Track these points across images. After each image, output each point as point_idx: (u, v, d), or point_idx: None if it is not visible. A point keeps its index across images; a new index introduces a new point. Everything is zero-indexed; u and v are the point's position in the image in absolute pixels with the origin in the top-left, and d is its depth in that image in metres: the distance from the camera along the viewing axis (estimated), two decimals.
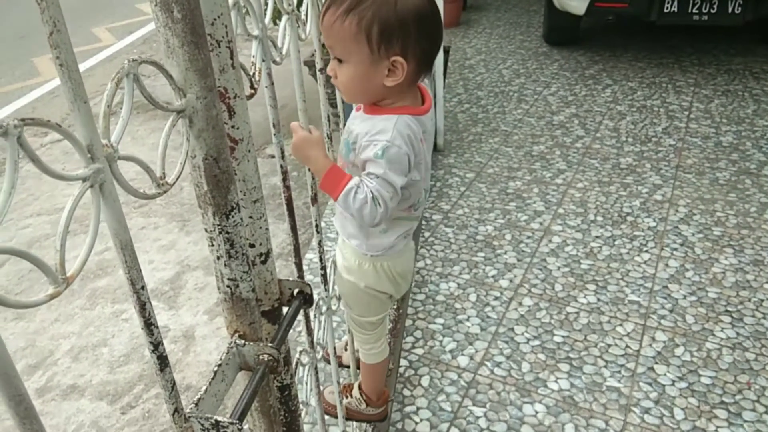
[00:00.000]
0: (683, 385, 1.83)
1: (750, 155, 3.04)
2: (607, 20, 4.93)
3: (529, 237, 2.55)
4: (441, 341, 2.05)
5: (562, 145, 3.27)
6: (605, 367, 1.91)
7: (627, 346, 1.98)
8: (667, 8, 3.72)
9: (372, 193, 1.01)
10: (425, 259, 2.45)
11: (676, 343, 1.97)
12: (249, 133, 0.70)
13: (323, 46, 1.05)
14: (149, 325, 0.56)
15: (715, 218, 2.58)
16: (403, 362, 1.98)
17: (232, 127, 0.68)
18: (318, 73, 1.09)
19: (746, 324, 2.03)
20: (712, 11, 3.67)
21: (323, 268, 1.15)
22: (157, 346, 0.58)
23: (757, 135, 3.22)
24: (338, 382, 1.33)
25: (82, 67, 5.06)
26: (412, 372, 1.94)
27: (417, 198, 1.16)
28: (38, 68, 5.13)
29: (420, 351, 2.02)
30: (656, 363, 1.91)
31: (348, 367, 1.57)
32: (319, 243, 1.12)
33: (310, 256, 2.46)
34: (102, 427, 1.88)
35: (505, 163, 3.12)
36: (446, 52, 3.46)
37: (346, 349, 1.57)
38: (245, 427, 0.70)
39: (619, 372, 1.88)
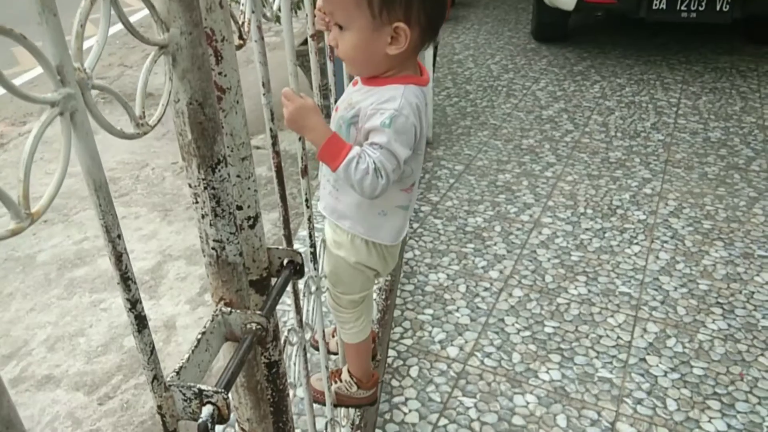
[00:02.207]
0: (675, 376, 1.80)
1: (738, 151, 3.04)
2: (596, 16, 4.93)
3: (518, 229, 2.52)
4: (430, 332, 2.00)
5: (551, 139, 3.24)
6: (597, 357, 1.88)
7: (618, 337, 1.95)
8: (655, 5, 3.72)
9: (374, 163, 0.96)
10: (414, 250, 2.40)
11: (668, 335, 1.95)
12: (237, 82, 0.65)
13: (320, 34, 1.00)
14: (126, 279, 0.51)
15: (704, 212, 2.57)
16: (392, 353, 1.93)
17: (219, 74, 0.63)
18: (309, 39, 1.04)
19: (737, 316, 2.01)
20: (700, 8, 3.68)
21: (312, 245, 1.10)
22: (134, 304, 0.53)
23: (744, 131, 3.22)
24: (326, 368, 1.28)
25: None
26: (401, 363, 1.89)
27: (417, 174, 1.11)
28: (17, 58, 5.01)
29: (408, 342, 1.97)
30: (648, 354, 1.88)
31: (336, 353, 1.52)
32: (309, 219, 1.07)
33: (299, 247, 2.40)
34: (78, 418, 1.80)
35: (495, 156, 3.09)
36: (435, 47, 3.43)
37: (333, 336, 1.52)
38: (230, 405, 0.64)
39: (611, 363, 1.85)
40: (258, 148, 3.23)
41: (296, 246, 2.39)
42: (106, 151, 3.40)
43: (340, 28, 0.99)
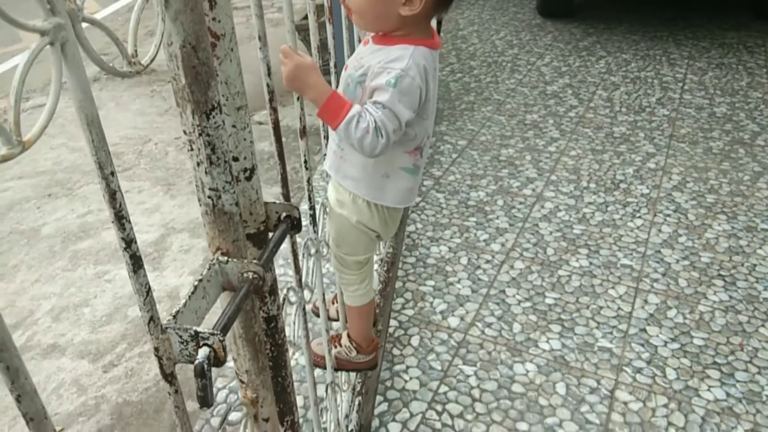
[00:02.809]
0: (675, 346, 1.81)
1: (744, 126, 3.01)
2: None
3: (521, 203, 2.51)
4: (431, 303, 2.01)
5: (555, 114, 3.22)
6: (597, 328, 1.88)
7: (619, 308, 1.95)
8: None
9: (375, 122, 0.96)
10: (416, 224, 2.40)
11: (669, 306, 1.95)
12: (232, 29, 0.65)
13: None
14: (120, 218, 0.51)
15: (708, 186, 2.56)
16: (393, 323, 1.94)
17: (213, 19, 0.62)
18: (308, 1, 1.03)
19: (739, 288, 2.01)
20: None
21: (312, 207, 1.11)
22: (129, 243, 0.53)
23: (750, 106, 3.19)
24: (327, 331, 1.29)
25: None
26: (402, 332, 1.90)
27: (422, 139, 1.11)
28: (20, 34, 4.99)
29: (410, 312, 1.98)
30: (648, 325, 1.89)
31: (336, 320, 1.54)
32: (308, 180, 1.07)
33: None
34: (83, 385, 1.83)
35: (498, 132, 3.08)
36: (439, 22, 3.39)
37: (334, 303, 1.52)
38: (229, 361, 0.65)
39: (611, 333, 1.86)
40: (261, 123, 3.23)
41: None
42: (109, 127, 3.41)
43: None
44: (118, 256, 2.34)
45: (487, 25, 4.55)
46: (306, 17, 3.43)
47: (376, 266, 1.96)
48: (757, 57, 3.77)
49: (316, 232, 1.15)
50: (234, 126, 0.70)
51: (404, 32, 1.02)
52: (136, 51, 0.52)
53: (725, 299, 1.96)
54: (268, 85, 0.85)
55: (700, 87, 3.43)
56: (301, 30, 3.33)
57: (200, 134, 0.63)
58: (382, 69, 0.97)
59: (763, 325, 1.86)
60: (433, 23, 3.00)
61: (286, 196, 0.93)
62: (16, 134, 0.40)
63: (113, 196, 0.50)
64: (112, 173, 0.50)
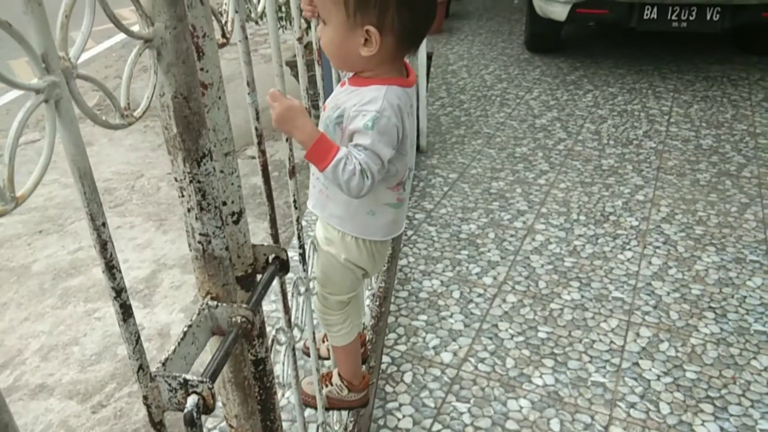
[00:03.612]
0: (668, 380, 1.80)
1: (730, 158, 3.06)
2: (588, 27, 4.98)
3: (512, 235, 2.53)
4: (424, 338, 2.01)
5: (544, 147, 3.27)
6: (590, 362, 1.88)
7: (612, 342, 1.95)
8: (646, 15, 3.77)
9: (360, 165, 0.98)
10: (408, 257, 2.41)
11: (661, 339, 1.95)
12: (219, 78, 0.66)
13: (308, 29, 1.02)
14: (111, 267, 0.52)
15: (696, 217, 2.58)
16: (386, 359, 1.93)
17: (202, 69, 0.64)
18: (296, 42, 1.06)
19: (730, 320, 2.02)
20: (690, 18, 3.72)
21: (301, 246, 1.11)
22: (119, 292, 0.54)
23: (736, 138, 3.25)
24: (317, 370, 1.28)
25: None
26: (395, 369, 1.89)
27: (404, 174, 1.13)
28: (14, 70, 5.04)
29: (402, 347, 1.97)
30: (641, 358, 1.88)
31: (327, 359, 1.53)
32: (297, 219, 1.08)
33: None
34: (71, 427, 1.80)
35: (488, 164, 3.11)
36: (429, 57, 3.45)
37: (324, 341, 1.52)
38: (218, 403, 0.65)
39: (604, 367, 1.86)
40: (252, 158, 3.25)
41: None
42: (102, 162, 3.42)
43: (324, 22, 1.01)
44: (108, 294, 2.32)
45: (477, 59, 4.63)
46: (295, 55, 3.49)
47: (368, 301, 1.96)
48: (741, 90, 3.85)
49: (305, 270, 1.15)
50: (222, 171, 0.71)
51: (375, 72, 1.05)
52: (128, 104, 0.53)
53: (716, 332, 1.97)
54: (256, 129, 0.86)
55: (686, 119, 3.50)
56: (293, 66, 3.38)
57: (191, 181, 0.64)
58: (357, 112, 0.99)
59: (754, 358, 1.87)
60: (424, 61, 3.05)
61: (275, 236, 0.93)
62: (9, 191, 0.41)
63: (104, 246, 0.51)
64: (104, 224, 0.51)
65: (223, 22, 0.72)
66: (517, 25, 5.40)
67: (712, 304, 2.09)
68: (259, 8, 0.83)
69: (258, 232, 2.61)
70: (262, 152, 0.87)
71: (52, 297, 2.37)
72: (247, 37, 0.78)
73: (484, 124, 3.58)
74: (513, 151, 3.24)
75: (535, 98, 3.90)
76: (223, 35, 0.71)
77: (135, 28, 0.54)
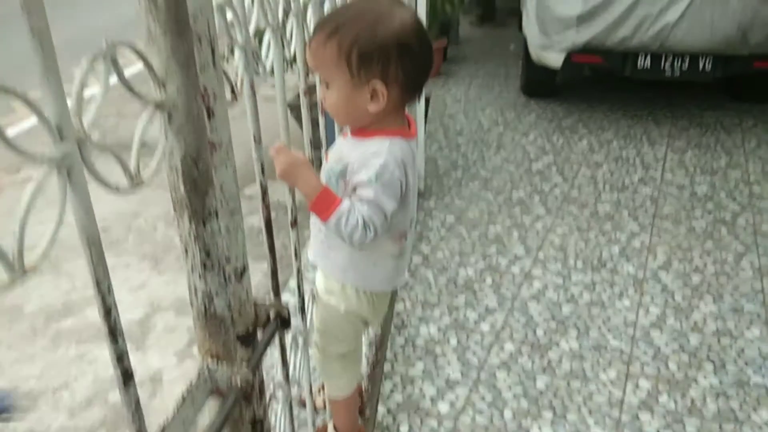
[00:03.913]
0: None
1: (725, 205, 3.08)
2: (583, 74, 5.07)
3: (509, 281, 2.52)
4: (421, 387, 1.98)
5: (540, 191, 3.29)
6: (589, 415, 1.85)
7: (611, 393, 1.93)
8: (640, 64, 3.84)
9: (363, 218, 0.98)
10: (405, 302, 2.39)
11: (660, 391, 1.93)
12: (228, 137, 0.67)
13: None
14: (113, 332, 0.51)
15: (693, 266, 2.59)
16: (381, 409, 1.90)
17: (211, 130, 0.64)
18: (301, 94, 1.07)
19: (729, 372, 2.00)
20: (683, 68, 3.80)
21: (301, 297, 1.10)
22: (121, 357, 0.53)
23: (730, 186, 3.28)
24: (313, 424, 1.26)
25: None
26: (391, 420, 1.86)
27: (406, 225, 1.13)
28: (14, 105, 5.08)
29: (399, 397, 1.94)
30: (640, 411, 1.86)
31: (324, 409, 1.50)
32: (298, 270, 1.08)
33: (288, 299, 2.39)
34: None
35: (485, 208, 3.12)
36: (427, 100, 3.51)
37: (320, 392, 1.49)
38: None
39: (603, 420, 1.83)
40: (251, 198, 3.25)
41: (285, 296, 2.38)
42: (99, 201, 3.36)
43: (327, 85, 1.02)
44: (100, 336, 2.28)
45: (474, 103, 4.70)
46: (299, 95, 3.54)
47: (364, 348, 1.93)
48: (734, 137, 3.91)
49: (304, 322, 1.14)
50: (227, 228, 0.71)
51: (379, 125, 1.06)
52: (138, 167, 0.53)
53: (716, 384, 1.95)
54: (261, 183, 0.87)
55: (681, 166, 3.54)
56: (294, 108, 3.42)
57: (196, 240, 0.64)
58: (361, 165, 1.00)
59: (754, 411, 1.84)
60: (422, 104, 3.09)
61: (276, 289, 0.93)
62: (18, 261, 0.41)
63: (108, 312, 0.51)
64: (109, 289, 0.50)
65: (233, 81, 0.73)
66: (514, 69, 5.49)
67: (711, 355, 2.08)
68: (267, 66, 0.84)
69: (255, 273, 2.59)
70: (266, 206, 0.88)
71: (44, 339, 2.33)
72: (254, 94, 0.79)
73: (481, 167, 3.60)
74: (510, 195, 3.26)
75: (532, 142, 3.94)
76: (233, 93, 0.72)
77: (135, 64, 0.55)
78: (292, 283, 2.58)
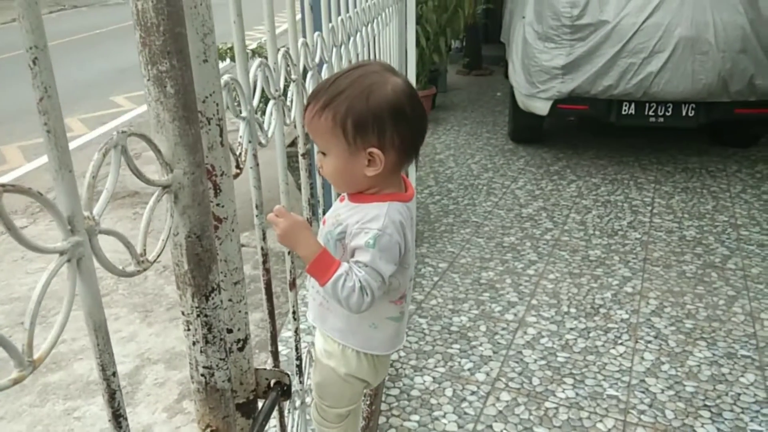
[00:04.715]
0: None
1: (713, 249, 3.12)
2: (569, 120, 5.18)
3: (503, 328, 2.51)
4: None
5: (531, 236, 3.31)
6: None
7: None
8: (625, 110, 3.94)
9: (360, 282, 0.99)
10: (399, 352, 2.37)
11: None
12: (234, 211, 0.68)
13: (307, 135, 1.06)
14: (118, 416, 0.51)
15: (685, 311, 2.60)
16: None
17: (218, 205, 0.66)
18: (300, 158, 1.09)
19: (726, 419, 1.99)
20: (667, 114, 3.90)
21: (299, 358, 1.10)
22: None
23: (718, 230, 3.32)
24: None
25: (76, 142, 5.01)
26: None
27: (405, 286, 1.13)
28: (5, 155, 5.09)
29: None
30: None
31: None
32: (296, 331, 1.08)
33: (282, 349, 2.37)
34: None
35: (477, 254, 3.14)
36: None
37: None
38: None
39: None
40: (243, 245, 3.25)
41: (280, 347, 2.35)
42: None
43: (324, 154, 1.04)
44: (89, 390, 2.25)
45: (463, 149, 4.77)
46: (294, 142, 3.57)
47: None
48: (719, 181, 3.98)
49: (302, 383, 1.13)
50: (230, 300, 0.72)
51: (376, 189, 1.08)
52: (145, 250, 0.54)
53: None
54: (262, 249, 0.88)
55: (669, 211, 3.58)
56: (290, 156, 3.45)
57: (198, 315, 0.64)
58: (360, 229, 1.01)
59: None
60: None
61: (275, 354, 0.92)
62: (28, 356, 0.41)
63: (113, 396, 0.50)
64: (114, 374, 0.50)
65: (237, 153, 0.74)
66: (501, 116, 5.60)
67: (707, 402, 2.07)
68: (269, 133, 0.86)
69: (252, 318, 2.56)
70: (267, 270, 0.88)
71: (31, 394, 2.28)
72: (258, 164, 0.81)
73: (472, 212, 3.64)
74: (501, 241, 3.28)
75: (521, 188, 3.99)
76: (237, 166, 0.74)
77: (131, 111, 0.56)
78: (286, 333, 2.57)
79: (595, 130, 5.02)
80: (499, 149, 4.75)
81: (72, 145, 5.39)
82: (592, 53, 3.81)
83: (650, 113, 3.90)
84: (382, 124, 1.00)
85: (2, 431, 2.11)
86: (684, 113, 3.85)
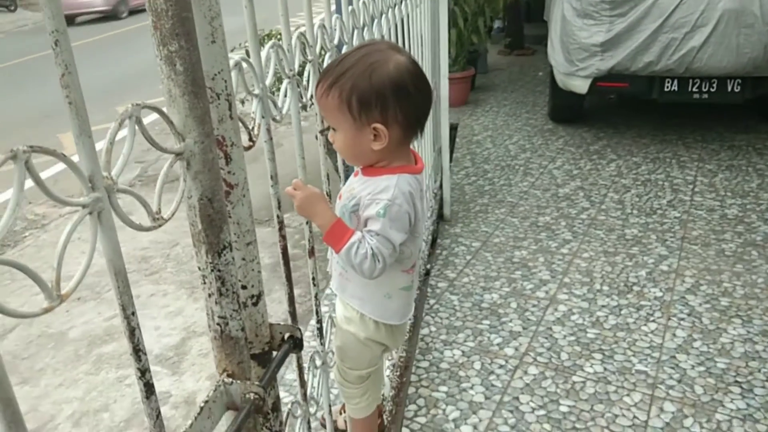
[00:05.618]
0: None
1: (756, 227, 3.05)
2: (609, 98, 5.08)
3: (534, 305, 2.54)
4: (444, 410, 2.01)
5: (567, 216, 3.31)
6: None
7: (635, 417, 1.93)
8: (667, 87, 3.86)
9: (372, 249, 1.06)
10: (429, 326, 2.44)
11: (685, 414, 1.92)
12: (244, 178, 0.75)
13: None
14: (137, 351, 0.60)
15: (722, 288, 2.57)
16: (405, 431, 1.94)
17: (229, 172, 0.73)
18: (319, 134, 1.16)
19: (757, 395, 1.98)
20: (711, 90, 3.80)
21: (319, 321, 1.18)
22: (144, 372, 0.61)
23: (762, 208, 3.24)
24: None
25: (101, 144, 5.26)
26: None
27: (415, 256, 1.20)
28: (63, 143, 5.36)
29: (422, 420, 1.98)
30: None
31: (345, 431, 1.56)
32: (315, 296, 1.15)
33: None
34: None
35: (511, 233, 3.16)
36: (454, 128, 3.58)
37: (341, 413, 1.55)
38: None
39: None
40: (287, 226, 3.36)
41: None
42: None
43: (334, 129, 1.11)
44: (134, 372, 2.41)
45: (501, 130, 4.76)
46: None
47: (388, 371, 1.99)
48: (766, 159, 3.86)
49: (323, 344, 1.21)
50: (243, 259, 0.79)
51: (386, 162, 1.14)
52: (160, 209, 0.62)
53: (743, 407, 1.93)
54: (278, 216, 0.95)
55: (711, 189, 3.51)
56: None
57: (212, 270, 0.72)
58: (371, 200, 1.08)
59: None
60: (446, 132, 3.16)
61: (293, 314, 1.00)
62: (56, 290, 0.49)
63: (132, 332, 0.59)
64: (133, 313, 0.58)
65: (251, 127, 0.82)
66: (541, 96, 5.54)
67: (738, 378, 2.06)
68: (284, 110, 0.93)
69: (281, 299, 2.68)
70: (283, 237, 0.96)
71: (87, 363, 2.46)
72: (271, 138, 0.88)
73: (507, 193, 3.65)
74: (536, 220, 3.29)
75: (559, 168, 3.97)
76: (250, 139, 0.81)
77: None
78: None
79: (637, 108, 4.92)
80: (538, 129, 4.71)
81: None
82: (632, 29, 3.73)
83: (694, 89, 3.81)
84: (385, 101, 1.06)
85: (61, 397, 2.28)
86: (729, 89, 3.75)
